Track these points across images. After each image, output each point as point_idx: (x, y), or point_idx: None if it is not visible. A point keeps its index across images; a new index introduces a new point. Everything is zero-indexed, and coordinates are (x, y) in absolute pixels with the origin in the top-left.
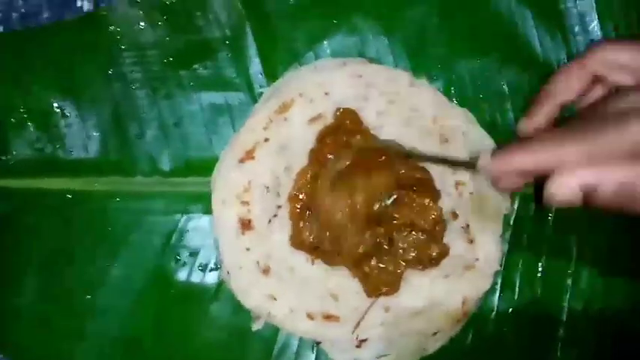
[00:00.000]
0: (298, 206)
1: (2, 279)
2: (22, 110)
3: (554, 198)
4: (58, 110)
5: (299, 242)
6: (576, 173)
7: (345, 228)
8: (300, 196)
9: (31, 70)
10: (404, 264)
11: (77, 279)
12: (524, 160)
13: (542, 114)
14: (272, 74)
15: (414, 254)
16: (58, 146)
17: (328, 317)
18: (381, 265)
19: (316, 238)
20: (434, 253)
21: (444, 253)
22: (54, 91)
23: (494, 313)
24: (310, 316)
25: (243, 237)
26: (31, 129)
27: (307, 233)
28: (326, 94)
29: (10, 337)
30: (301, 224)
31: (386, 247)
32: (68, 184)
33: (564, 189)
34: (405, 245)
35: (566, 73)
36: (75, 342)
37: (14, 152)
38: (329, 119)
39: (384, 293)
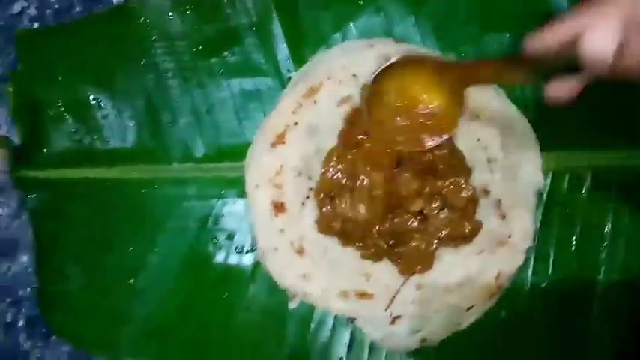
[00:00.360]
0: (323, 192)
1: (49, 267)
2: (59, 104)
3: (588, 53)
4: (94, 102)
5: (325, 227)
6: (611, 24)
7: (376, 208)
8: (330, 176)
9: (67, 65)
10: (436, 242)
11: (118, 265)
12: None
13: (556, 35)
14: (299, 58)
15: (446, 232)
16: (95, 137)
17: (362, 295)
18: (414, 244)
19: (343, 223)
20: (466, 230)
21: (477, 230)
22: (89, 83)
23: (527, 287)
24: (344, 294)
25: (277, 219)
26: (70, 121)
27: (333, 219)
28: (354, 75)
29: (61, 320)
30: (324, 210)
31: (416, 225)
32: (106, 174)
33: (598, 41)
34: (438, 223)
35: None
36: (119, 325)
37: (54, 144)
38: (357, 101)
39: (418, 271)
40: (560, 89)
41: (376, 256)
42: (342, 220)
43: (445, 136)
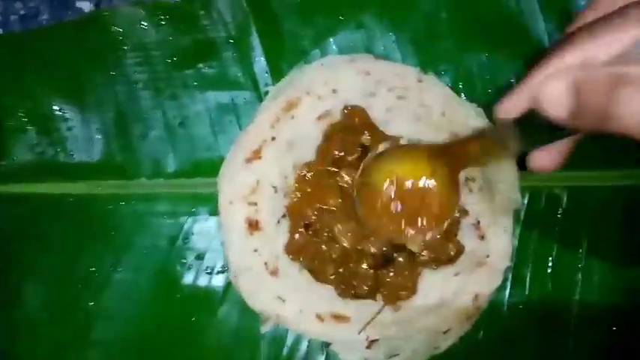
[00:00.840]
0: (294, 215)
1: (6, 289)
2: (21, 114)
3: (543, 101)
4: (59, 113)
5: (294, 254)
6: (567, 70)
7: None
8: (297, 198)
9: (31, 73)
10: (420, 267)
11: (82, 285)
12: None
13: (516, 103)
14: (278, 72)
15: (431, 255)
16: (59, 150)
17: (338, 317)
18: (398, 273)
19: (314, 257)
20: (451, 253)
21: (460, 252)
22: (55, 93)
23: (505, 308)
24: (319, 317)
25: (251, 238)
26: (32, 133)
27: (305, 245)
28: (334, 91)
29: (18, 348)
30: (296, 236)
31: (401, 259)
32: (71, 189)
33: (553, 88)
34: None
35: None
36: (82, 350)
37: (14, 157)
38: (337, 116)
39: (402, 298)
40: (544, 158)
41: (355, 296)
42: (313, 254)
43: (444, 225)
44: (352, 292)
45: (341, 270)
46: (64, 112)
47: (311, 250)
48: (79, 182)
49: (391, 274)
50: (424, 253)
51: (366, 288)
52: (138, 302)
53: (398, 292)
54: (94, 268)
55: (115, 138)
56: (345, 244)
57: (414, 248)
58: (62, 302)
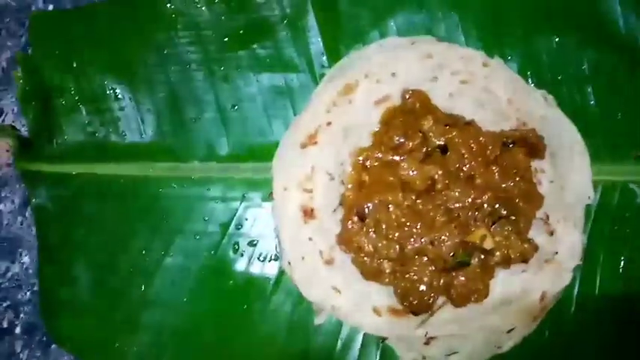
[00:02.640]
0: (348, 205)
1: (53, 268)
2: (73, 92)
3: None
4: (110, 92)
5: (346, 241)
6: None
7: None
8: (354, 187)
9: (83, 51)
10: (494, 269)
11: (131, 269)
12: None
13: None
14: (334, 54)
15: (505, 253)
16: (111, 130)
17: (395, 312)
18: (471, 276)
19: (374, 247)
20: (528, 254)
21: (534, 251)
22: (106, 72)
23: (572, 309)
24: (376, 311)
25: (306, 226)
26: (83, 112)
27: (359, 237)
28: (393, 74)
29: (64, 328)
30: (350, 224)
31: (476, 261)
32: (122, 170)
33: None
34: (498, 250)
35: None
36: (129, 335)
37: (65, 136)
38: (396, 101)
39: (474, 301)
40: None
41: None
42: (367, 250)
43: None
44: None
45: (397, 274)
46: (115, 92)
47: (364, 244)
48: (130, 163)
49: (462, 278)
50: (497, 253)
51: (427, 299)
52: (188, 288)
53: (469, 296)
54: (144, 252)
55: (167, 119)
56: (406, 245)
57: (487, 245)
58: (112, 285)
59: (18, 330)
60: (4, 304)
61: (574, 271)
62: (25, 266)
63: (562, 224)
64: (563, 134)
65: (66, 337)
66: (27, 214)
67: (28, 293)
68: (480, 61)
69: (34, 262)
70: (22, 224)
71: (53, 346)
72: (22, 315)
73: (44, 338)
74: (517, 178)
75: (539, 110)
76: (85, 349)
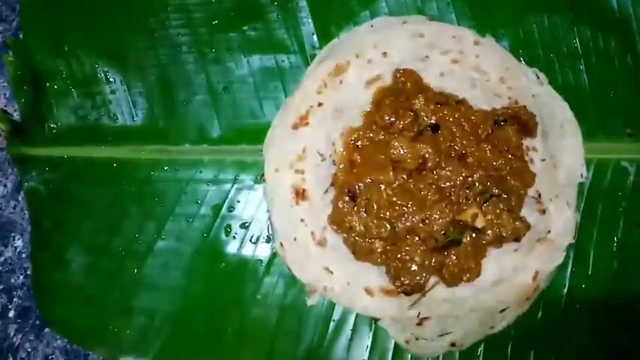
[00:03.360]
0: (339, 185)
1: (47, 252)
2: (64, 76)
3: None
4: (101, 76)
5: (337, 222)
6: None
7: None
8: (345, 167)
9: (74, 34)
10: (485, 247)
11: (124, 253)
12: None
13: None
14: (325, 35)
15: (497, 232)
16: (102, 113)
17: (388, 292)
18: (462, 255)
19: (365, 226)
20: (520, 233)
21: (526, 229)
22: (97, 56)
23: (565, 289)
24: (368, 291)
25: (298, 207)
26: (75, 96)
27: (350, 217)
28: (384, 54)
29: (57, 312)
30: (341, 204)
31: (468, 239)
32: (114, 153)
33: None
34: (489, 228)
35: None
36: (122, 318)
37: (58, 120)
38: (387, 81)
39: (465, 280)
40: None
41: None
42: (358, 230)
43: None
44: (402, 279)
45: (389, 253)
46: (107, 75)
47: (355, 224)
48: (122, 147)
49: (453, 257)
50: (489, 232)
51: (418, 278)
52: (181, 271)
53: (461, 275)
54: (137, 235)
55: (158, 102)
56: (398, 225)
57: (479, 224)
58: (105, 268)
59: (11, 314)
60: None
61: (567, 250)
62: (18, 250)
63: (554, 203)
64: (555, 112)
65: (59, 321)
66: (20, 198)
67: (21, 277)
68: (471, 39)
69: (27, 246)
70: (14, 208)
71: (47, 329)
72: (15, 299)
73: (37, 322)
74: (509, 156)
75: (531, 88)
76: (78, 333)
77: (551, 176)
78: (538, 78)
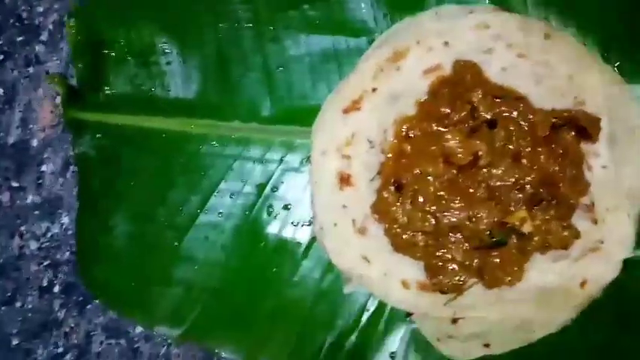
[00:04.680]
0: (390, 165)
1: (92, 217)
2: (122, 44)
3: None
4: (159, 47)
5: (381, 211)
6: None
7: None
8: (394, 156)
9: (135, 4)
10: (531, 253)
11: (167, 223)
12: None
13: None
14: (387, 19)
15: (544, 239)
16: (157, 84)
17: (424, 287)
18: (505, 257)
19: (409, 218)
20: (569, 242)
21: (575, 237)
22: (157, 26)
23: (617, 301)
24: (405, 284)
25: (341, 193)
26: (131, 64)
27: (395, 208)
28: (446, 43)
29: (97, 274)
30: (386, 194)
31: (515, 241)
32: (165, 124)
33: None
34: (536, 234)
35: None
36: (161, 287)
37: (112, 87)
38: (447, 71)
39: (507, 284)
40: None
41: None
42: (400, 225)
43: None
44: (440, 278)
45: (430, 248)
46: (164, 47)
47: (399, 215)
48: (173, 118)
49: (496, 259)
50: (535, 238)
51: (457, 279)
52: (221, 246)
53: (502, 278)
54: (180, 207)
55: (212, 77)
56: (442, 220)
57: (526, 229)
58: (148, 237)
59: (56, 289)
60: (45, 263)
61: (622, 263)
62: (64, 227)
63: (612, 213)
64: (628, 116)
65: (99, 285)
66: (67, 176)
67: (67, 254)
68: (541, 32)
69: (74, 223)
70: (62, 185)
71: (89, 306)
72: (60, 275)
73: (81, 298)
74: (565, 162)
75: (603, 88)
76: (117, 298)
77: (611, 185)
78: (615, 71)
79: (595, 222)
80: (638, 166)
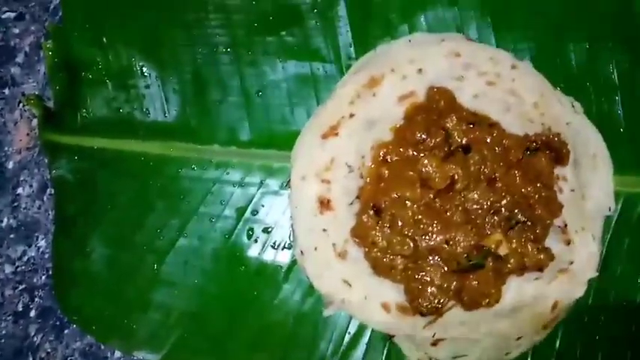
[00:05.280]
0: (365, 199)
1: (72, 239)
2: (100, 66)
3: None
4: (137, 70)
5: (360, 235)
6: None
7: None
8: (372, 180)
9: (114, 26)
10: (507, 275)
11: (145, 247)
12: None
13: None
14: (362, 46)
15: (520, 261)
16: (135, 107)
17: (404, 310)
18: (482, 280)
19: (387, 242)
20: (544, 263)
21: (550, 260)
22: (134, 49)
23: (585, 320)
24: (385, 307)
25: (321, 217)
26: (109, 87)
27: (374, 232)
28: (419, 70)
29: (74, 299)
30: (365, 218)
31: (491, 264)
32: (144, 147)
33: None
34: (512, 256)
35: None
36: (139, 312)
37: (91, 110)
38: (421, 98)
39: (485, 305)
40: None
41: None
42: (380, 246)
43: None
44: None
45: (409, 272)
46: (142, 69)
47: (378, 239)
48: (152, 142)
49: (474, 281)
50: (511, 260)
51: (436, 302)
52: (200, 270)
53: (480, 300)
54: (159, 231)
55: (191, 100)
56: (421, 243)
57: (502, 251)
58: (126, 261)
59: (32, 313)
60: (20, 287)
61: (589, 283)
62: (41, 250)
63: (580, 234)
64: (588, 142)
65: (76, 310)
66: (44, 199)
67: (43, 277)
68: (508, 63)
69: (50, 246)
70: (39, 208)
71: (66, 331)
72: (36, 299)
73: (58, 323)
74: (538, 184)
75: (565, 116)
76: (95, 324)
77: (578, 207)
78: (573, 106)
79: (568, 243)
80: (599, 188)
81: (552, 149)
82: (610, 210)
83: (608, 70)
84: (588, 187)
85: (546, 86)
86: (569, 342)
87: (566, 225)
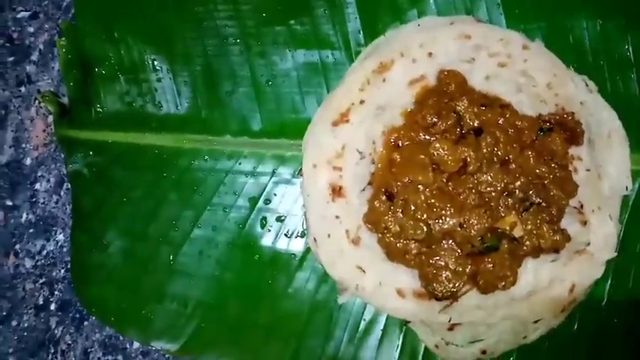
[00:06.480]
0: (377, 185)
1: (87, 235)
2: (112, 61)
3: None
4: (149, 63)
5: (373, 221)
6: None
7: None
8: (384, 166)
9: (125, 22)
10: (522, 257)
11: (161, 239)
12: None
13: None
14: (371, 32)
15: (535, 243)
16: (147, 100)
17: (419, 295)
18: (498, 262)
19: (400, 227)
20: (559, 244)
21: (566, 241)
22: (146, 43)
23: (604, 302)
24: (400, 293)
25: (333, 204)
26: (122, 82)
27: (386, 217)
28: (429, 54)
29: (93, 292)
30: (377, 203)
31: (506, 246)
32: (157, 140)
33: None
34: (528, 238)
35: None
36: (155, 303)
37: (105, 105)
38: (431, 81)
39: (501, 288)
40: None
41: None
42: (392, 234)
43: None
44: (435, 285)
45: (423, 256)
46: (154, 63)
47: (391, 224)
48: (165, 134)
49: (489, 264)
50: (527, 242)
51: (451, 286)
52: (215, 260)
53: (496, 283)
54: (174, 222)
55: (202, 92)
56: (434, 227)
57: (517, 233)
58: (142, 253)
59: (53, 307)
60: (40, 281)
61: (607, 264)
62: (59, 244)
63: (597, 214)
64: (602, 121)
65: (94, 302)
66: (62, 193)
67: (62, 271)
68: (519, 43)
69: (69, 240)
70: (57, 203)
71: (86, 323)
72: (56, 292)
73: (77, 315)
74: (552, 165)
75: (579, 96)
76: (112, 315)
77: (594, 187)
78: (587, 85)
79: (584, 223)
80: (616, 167)
81: (566, 129)
82: (627, 189)
83: (622, 47)
84: (604, 166)
85: (559, 66)
86: (588, 325)
87: (582, 205)
